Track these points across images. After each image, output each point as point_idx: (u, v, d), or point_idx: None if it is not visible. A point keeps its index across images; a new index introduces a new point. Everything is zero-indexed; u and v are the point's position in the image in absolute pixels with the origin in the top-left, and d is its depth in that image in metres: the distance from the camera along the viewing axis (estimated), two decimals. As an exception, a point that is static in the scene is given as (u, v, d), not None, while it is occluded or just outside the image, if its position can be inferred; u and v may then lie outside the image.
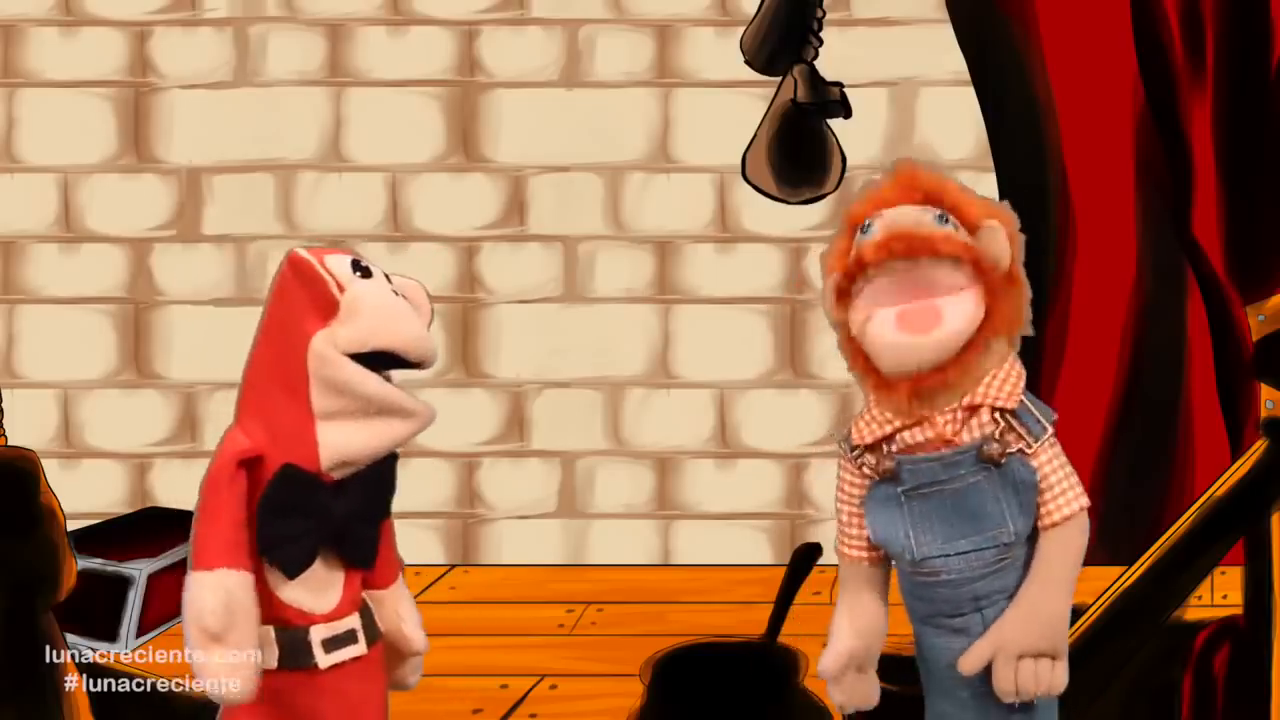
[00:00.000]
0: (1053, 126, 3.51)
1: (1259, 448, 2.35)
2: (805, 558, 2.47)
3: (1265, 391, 2.36)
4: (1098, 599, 2.36)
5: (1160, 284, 3.48)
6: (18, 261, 3.73)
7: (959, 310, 1.75)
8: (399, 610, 1.94)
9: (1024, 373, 1.82)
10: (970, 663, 1.80)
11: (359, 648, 1.87)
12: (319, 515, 1.80)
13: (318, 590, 1.84)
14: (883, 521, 1.83)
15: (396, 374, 1.86)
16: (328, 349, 1.79)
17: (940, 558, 1.81)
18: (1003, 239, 1.78)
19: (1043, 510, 1.80)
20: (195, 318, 3.67)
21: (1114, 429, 3.49)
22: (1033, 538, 1.82)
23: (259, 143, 3.69)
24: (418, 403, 1.83)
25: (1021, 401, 1.81)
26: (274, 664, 1.83)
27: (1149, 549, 2.36)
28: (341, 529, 1.83)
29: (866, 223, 1.77)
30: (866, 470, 1.84)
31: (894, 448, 1.81)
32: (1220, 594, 2.54)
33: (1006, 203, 1.84)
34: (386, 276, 1.88)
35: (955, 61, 3.55)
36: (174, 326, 3.71)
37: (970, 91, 3.56)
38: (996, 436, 1.79)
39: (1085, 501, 1.81)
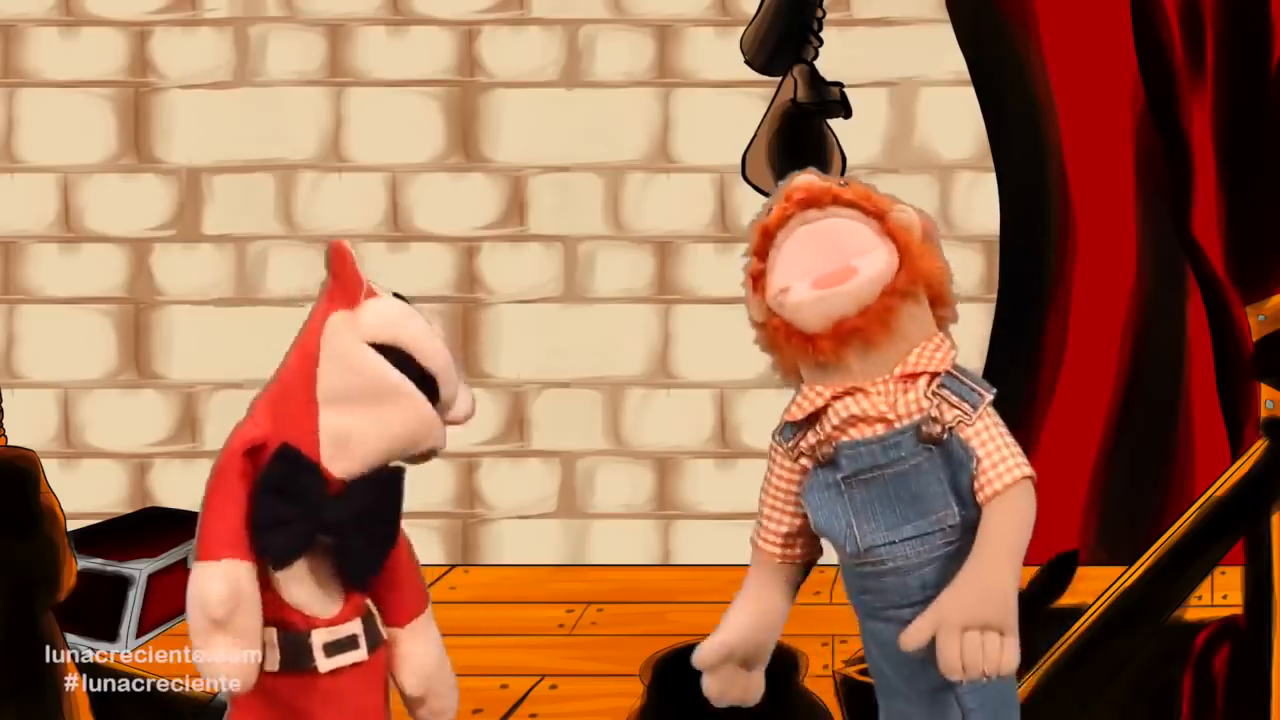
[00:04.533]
0: (1053, 126, 3.51)
1: (1259, 448, 2.35)
2: (805, 558, 2.46)
3: (1265, 391, 2.36)
4: (1098, 599, 2.36)
5: (1160, 284, 3.48)
6: (18, 261, 3.73)
7: (870, 261, 1.75)
8: (406, 655, 1.91)
9: (955, 348, 1.80)
10: (912, 638, 1.73)
11: (360, 654, 1.86)
12: (310, 504, 1.79)
13: (322, 594, 1.84)
14: (824, 512, 1.80)
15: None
16: (342, 325, 1.80)
17: (885, 545, 1.78)
18: (911, 215, 1.78)
19: (982, 481, 1.75)
20: (195, 318, 3.67)
21: (1114, 429, 3.49)
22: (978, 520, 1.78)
23: (259, 143, 3.69)
24: (417, 393, 1.82)
25: (952, 371, 1.78)
26: (275, 666, 1.82)
27: (1149, 549, 2.36)
28: (336, 533, 1.81)
29: (766, 207, 1.81)
30: (804, 458, 1.81)
31: (829, 427, 1.78)
32: (1220, 594, 2.54)
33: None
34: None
35: (955, 61, 3.55)
36: (174, 326, 3.71)
37: (970, 91, 3.56)
38: (932, 413, 1.76)
39: (1026, 471, 1.75)
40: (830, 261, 1.76)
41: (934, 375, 1.77)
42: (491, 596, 3.24)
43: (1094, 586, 2.41)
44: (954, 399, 1.77)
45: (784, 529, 1.86)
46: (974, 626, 1.71)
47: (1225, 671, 2.38)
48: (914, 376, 1.77)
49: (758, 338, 1.85)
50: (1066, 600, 2.43)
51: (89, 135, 3.71)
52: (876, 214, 1.78)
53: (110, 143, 3.72)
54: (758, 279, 1.82)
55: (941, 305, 1.81)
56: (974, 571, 1.72)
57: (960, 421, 1.76)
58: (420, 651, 1.92)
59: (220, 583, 1.76)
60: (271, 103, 3.70)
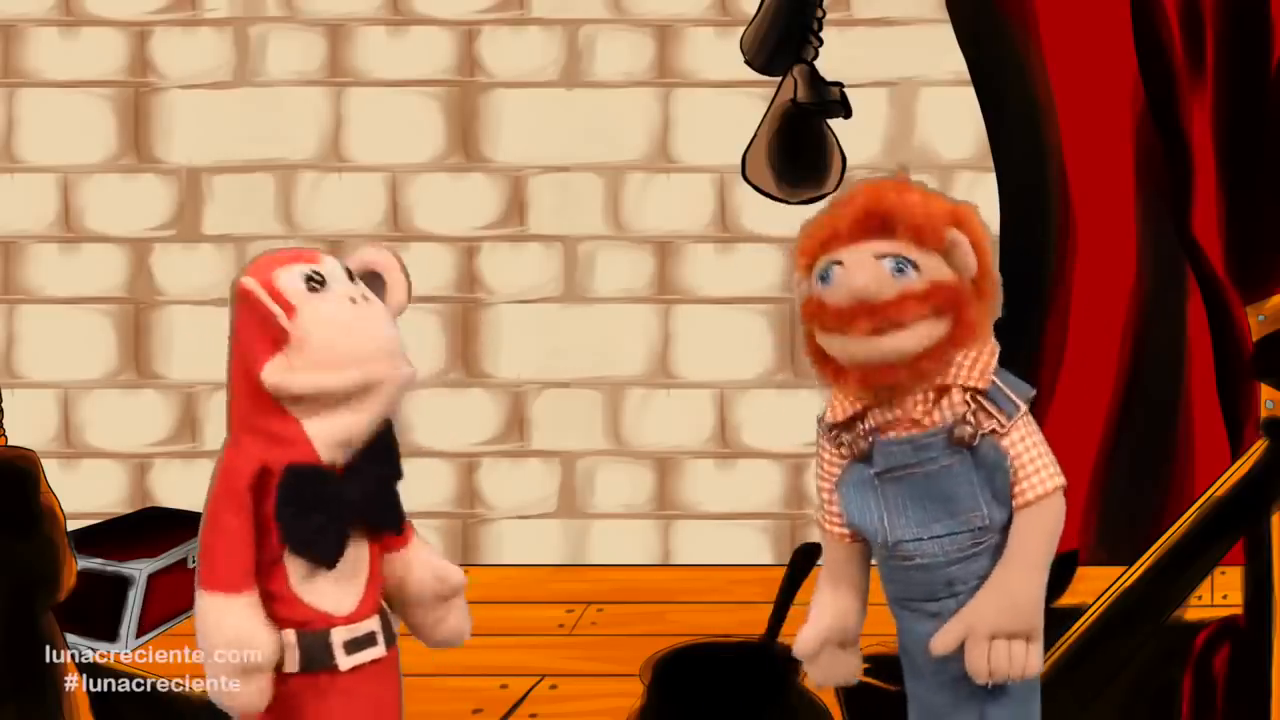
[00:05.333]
0: (1053, 126, 3.51)
1: (1259, 448, 2.35)
2: (805, 558, 2.47)
3: (1265, 391, 2.36)
4: (1098, 599, 2.36)
5: (1160, 284, 3.47)
6: (18, 261, 3.73)
7: (914, 335, 1.74)
8: (426, 557, 1.93)
9: (997, 349, 1.82)
10: (942, 644, 1.79)
11: (378, 650, 1.87)
12: (335, 504, 1.80)
13: (339, 592, 1.84)
14: (857, 504, 1.83)
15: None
16: (280, 377, 1.80)
17: (914, 541, 1.80)
18: (967, 250, 1.77)
19: (1015, 490, 1.78)
20: (195, 318, 3.67)
21: (1114, 429, 3.49)
22: (1009, 522, 1.81)
23: (259, 143, 3.69)
24: (385, 367, 1.81)
25: (993, 382, 1.79)
26: (295, 667, 1.83)
27: (1149, 549, 2.36)
28: (362, 509, 1.83)
29: (825, 269, 1.76)
30: (844, 450, 1.84)
31: (867, 427, 1.81)
32: (1220, 594, 2.54)
33: (970, 203, 1.84)
34: (350, 275, 1.86)
35: (955, 61, 3.55)
36: (174, 326, 3.71)
37: (970, 91, 3.56)
38: (967, 418, 1.78)
39: (1060, 481, 1.80)
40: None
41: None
42: (491, 596, 3.24)
43: (1094, 586, 2.41)
44: (991, 408, 1.79)
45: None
46: (1001, 635, 1.76)
47: (1225, 671, 2.38)
48: (949, 387, 1.79)
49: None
50: (1066, 600, 2.43)
51: (89, 135, 3.71)
52: (937, 247, 1.77)
53: (110, 143, 3.72)
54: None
55: (986, 293, 1.82)
56: (1003, 581, 1.77)
57: (994, 431, 1.79)
58: (430, 550, 1.95)
59: (260, 634, 1.78)
60: (271, 103, 3.69)
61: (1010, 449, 1.79)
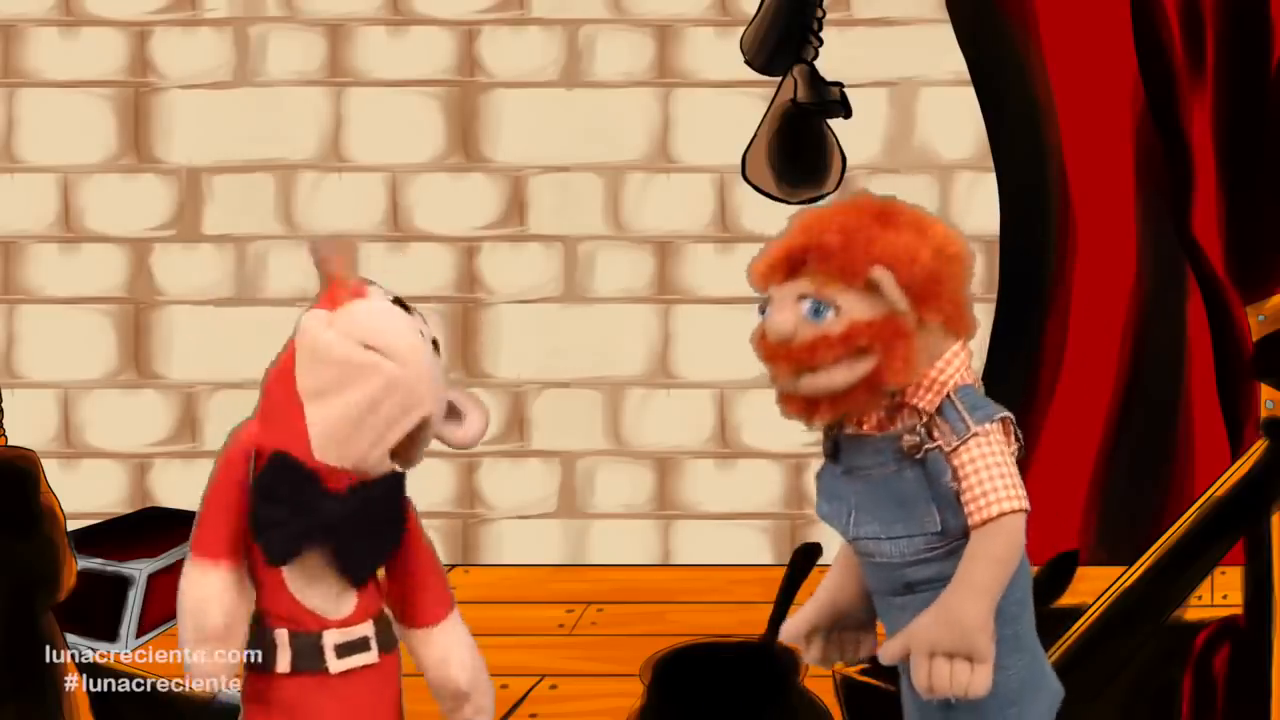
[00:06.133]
0: (1053, 126, 3.51)
1: (1259, 448, 2.35)
2: (805, 558, 2.47)
3: (1265, 391, 2.36)
4: (1098, 599, 2.36)
5: (1160, 284, 3.48)
6: (18, 261, 3.73)
7: (829, 377, 1.76)
8: (446, 652, 1.93)
9: (961, 367, 1.80)
10: (888, 654, 1.81)
11: (371, 655, 1.87)
12: (306, 506, 1.80)
13: (334, 595, 1.84)
14: (828, 497, 1.86)
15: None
16: (313, 322, 1.80)
17: (873, 540, 1.82)
18: (890, 289, 1.75)
19: (966, 511, 1.78)
20: (195, 318, 3.67)
21: (1114, 429, 3.49)
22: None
23: (259, 143, 3.69)
24: (384, 360, 1.80)
25: (947, 401, 1.79)
26: (286, 667, 1.83)
27: (1149, 549, 2.36)
28: (335, 533, 1.82)
29: (763, 305, 1.81)
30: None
31: (838, 428, 1.83)
32: (1220, 594, 2.54)
33: (953, 231, 1.83)
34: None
35: (955, 61, 3.55)
36: (174, 326, 3.71)
37: (970, 91, 3.56)
38: (917, 430, 1.79)
39: (1015, 505, 1.76)
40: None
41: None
42: (491, 596, 3.24)
43: (1094, 586, 2.41)
44: (943, 425, 1.79)
45: None
46: (940, 653, 1.76)
47: (1225, 671, 2.38)
48: (904, 404, 1.81)
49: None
50: (1066, 600, 2.43)
51: (89, 135, 3.71)
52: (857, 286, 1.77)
53: (110, 143, 3.72)
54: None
55: (957, 328, 1.81)
56: (945, 601, 1.76)
57: (941, 447, 1.79)
58: (463, 644, 1.94)
59: (219, 596, 1.79)
60: (271, 103, 3.70)
61: (960, 469, 1.78)
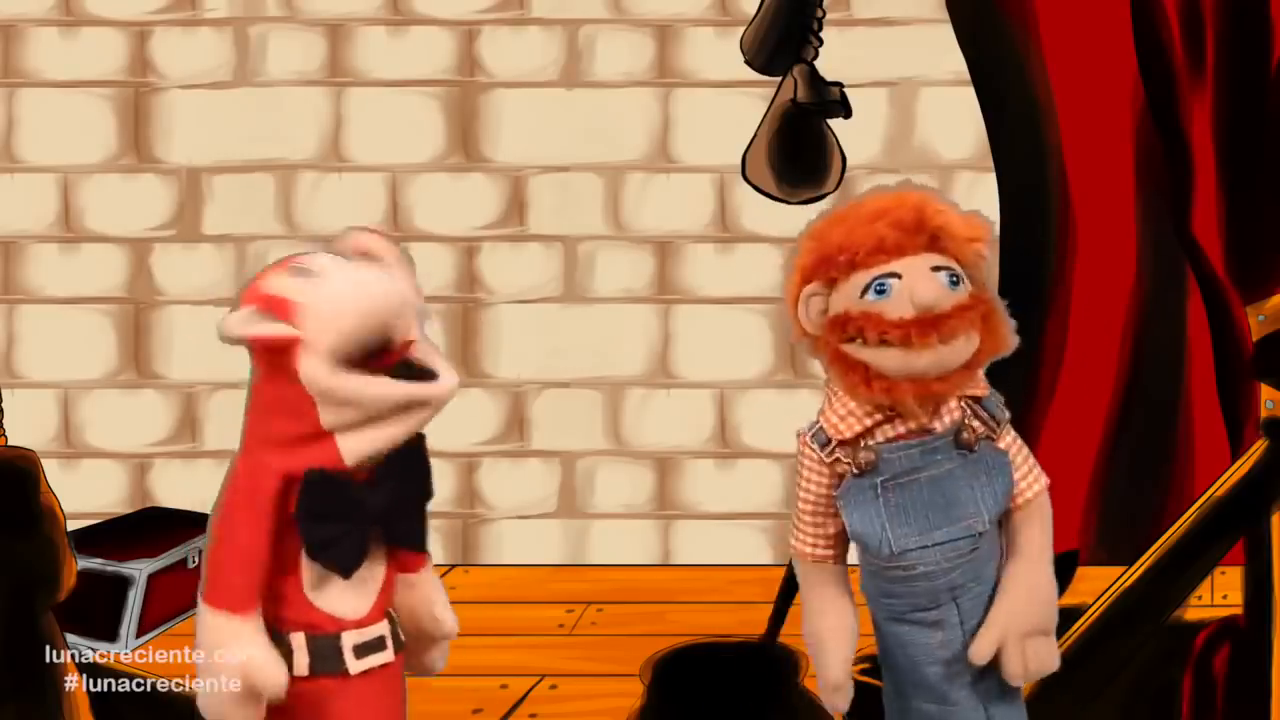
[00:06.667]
0: (1053, 126, 3.51)
1: (1259, 448, 2.35)
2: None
3: (1265, 391, 2.36)
4: (1098, 599, 2.36)
5: (1160, 284, 3.47)
6: (18, 261, 3.73)
7: (967, 346, 1.79)
8: (431, 593, 1.92)
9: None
10: (981, 652, 1.81)
11: (388, 654, 1.86)
12: (357, 512, 1.79)
13: (351, 596, 1.83)
14: (859, 515, 1.82)
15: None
16: (318, 371, 1.74)
17: (918, 550, 1.82)
18: (992, 265, 1.84)
19: (1016, 489, 1.84)
20: (195, 318, 3.67)
21: (1114, 429, 3.49)
22: (999, 525, 1.86)
23: (259, 143, 3.69)
24: (431, 386, 1.79)
25: (990, 389, 1.85)
26: (304, 670, 1.82)
27: (1149, 549, 2.36)
28: (384, 520, 1.81)
29: (880, 282, 1.77)
30: (840, 467, 1.83)
31: (875, 440, 1.82)
32: (1220, 594, 2.54)
33: (980, 211, 1.86)
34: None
35: (955, 61, 3.55)
36: (174, 326, 3.71)
37: (970, 91, 3.56)
38: (968, 421, 1.82)
39: (1046, 480, 1.87)
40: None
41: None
42: (491, 596, 3.24)
43: (1094, 586, 2.41)
44: (984, 414, 1.84)
45: (832, 531, 1.88)
46: (1034, 633, 1.82)
47: (1225, 671, 2.38)
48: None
49: (808, 347, 1.85)
50: (1066, 600, 2.43)
51: (89, 135, 3.71)
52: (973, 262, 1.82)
53: (110, 143, 3.72)
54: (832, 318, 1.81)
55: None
56: (1025, 579, 1.83)
57: (989, 436, 1.84)
58: (439, 589, 1.94)
59: (274, 663, 1.77)
60: (271, 103, 3.69)
61: (1009, 448, 1.85)
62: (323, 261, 1.80)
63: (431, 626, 1.93)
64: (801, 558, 1.89)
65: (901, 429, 1.81)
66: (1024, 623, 1.81)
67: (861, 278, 1.78)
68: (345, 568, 1.80)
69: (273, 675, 1.77)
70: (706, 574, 3.41)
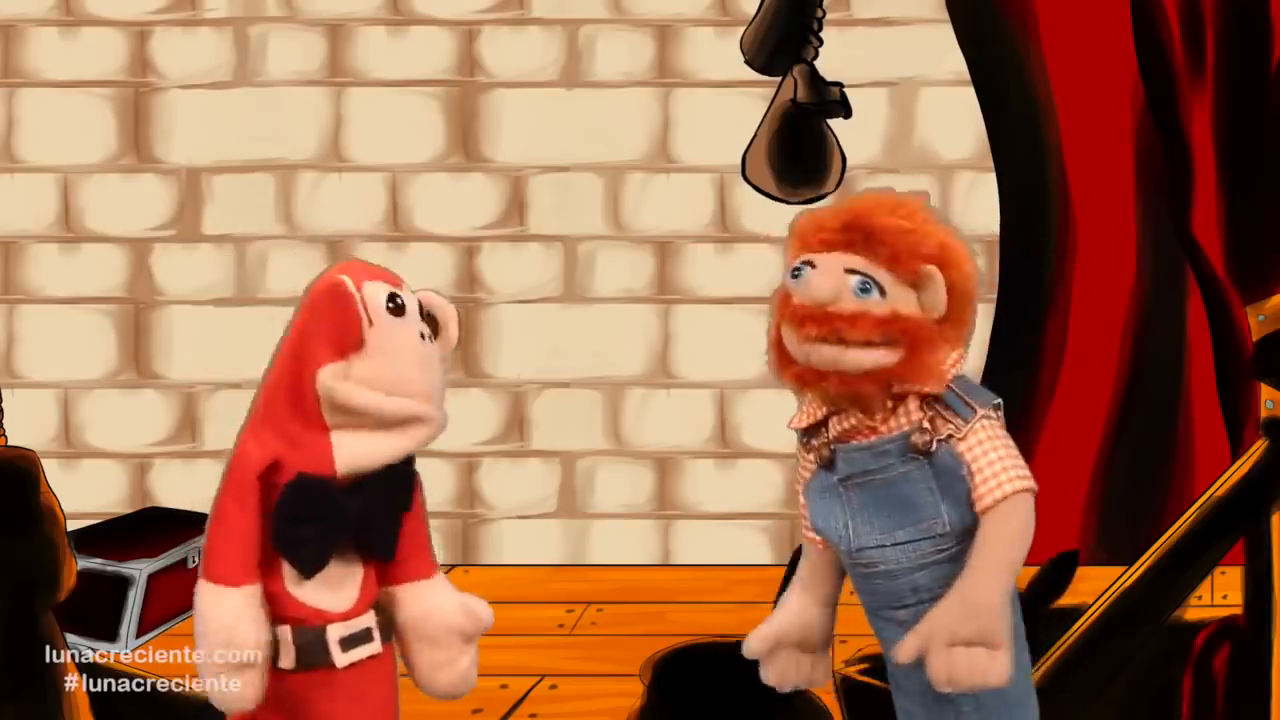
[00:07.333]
0: (1053, 126, 3.51)
1: (1259, 448, 2.35)
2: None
3: (1265, 391, 2.36)
4: (1098, 599, 2.36)
5: (1160, 284, 3.48)
6: (18, 261, 3.73)
7: (856, 356, 1.74)
8: (453, 592, 1.93)
9: (962, 357, 1.80)
10: (904, 653, 1.77)
11: (375, 646, 1.87)
12: (334, 516, 1.80)
13: (335, 589, 1.84)
14: (822, 510, 1.83)
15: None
16: (336, 382, 1.79)
17: (877, 548, 1.80)
18: (939, 289, 1.75)
19: (974, 495, 1.76)
20: (195, 318, 3.67)
21: (1114, 429, 3.49)
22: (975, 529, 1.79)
23: (259, 143, 3.69)
24: (432, 409, 1.82)
25: (950, 388, 1.78)
26: (291, 664, 1.83)
27: (1149, 549, 2.36)
28: (359, 525, 1.82)
29: (798, 266, 1.77)
30: (812, 456, 1.84)
31: (830, 434, 1.81)
32: (1220, 594, 2.54)
33: (964, 241, 1.83)
34: (421, 310, 1.86)
35: (955, 61, 3.56)
36: (174, 326, 3.71)
37: (970, 91, 3.56)
38: (924, 425, 1.78)
39: (1023, 485, 1.76)
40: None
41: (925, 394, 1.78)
42: (491, 596, 3.23)
43: (1094, 586, 2.41)
44: (947, 414, 1.78)
45: None
46: (959, 642, 1.73)
47: (1225, 671, 2.38)
48: (906, 394, 1.79)
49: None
50: (1066, 600, 2.43)
51: (89, 135, 3.71)
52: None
53: (110, 143, 3.72)
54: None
55: (959, 325, 1.81)
56: (961, 588, 1.74)
57: (952, 436, 1.78)
58: (455, 591, 1.94)
59: (247, 622, 1.78)
60: (271, 103, 3.70)
61: (967, 454, 1.77)
62: (412, 308, 1.84)
63: (466, 622, 1.93)
64: (803, 535, 1.91)
65: (848, 424, 1.79)
66: (948, 631, 1.73)
67: (792, 260, 1.79)
68: (306, 569, 1.81)
69: (247, 635, 1.77)
70: (706, 574, 3.41)
